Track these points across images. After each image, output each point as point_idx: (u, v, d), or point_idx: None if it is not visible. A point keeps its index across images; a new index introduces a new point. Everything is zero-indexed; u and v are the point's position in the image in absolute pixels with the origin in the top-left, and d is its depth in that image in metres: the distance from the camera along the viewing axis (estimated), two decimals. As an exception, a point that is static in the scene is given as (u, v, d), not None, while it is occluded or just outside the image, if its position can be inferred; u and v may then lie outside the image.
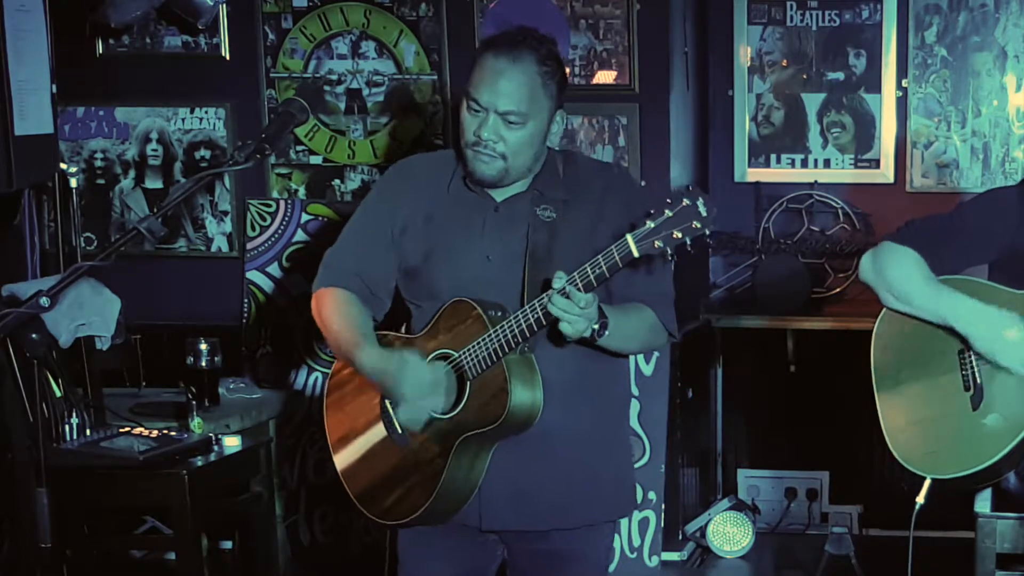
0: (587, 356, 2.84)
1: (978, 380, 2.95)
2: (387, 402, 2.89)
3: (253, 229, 4.94)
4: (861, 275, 3.10)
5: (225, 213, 5.04)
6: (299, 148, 5.03)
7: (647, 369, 4.68)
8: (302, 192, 5.04)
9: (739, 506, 5.18)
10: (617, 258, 2.59)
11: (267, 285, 4.92)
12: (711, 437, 5.45)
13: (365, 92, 4.96)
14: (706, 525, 5.10)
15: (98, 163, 5.05)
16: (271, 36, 4.96)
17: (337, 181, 5.03)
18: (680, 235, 2.54)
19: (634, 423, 4.62)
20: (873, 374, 3.07)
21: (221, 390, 4.40)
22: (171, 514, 3.89)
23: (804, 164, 5.36)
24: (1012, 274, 3.00)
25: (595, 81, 4.87)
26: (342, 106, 4.98)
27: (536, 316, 2.68)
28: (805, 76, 5.32)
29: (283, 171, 5.05)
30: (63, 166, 4.26)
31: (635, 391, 4.54)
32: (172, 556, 4.18)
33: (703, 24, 5.29)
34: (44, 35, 3.80)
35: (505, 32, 2.83)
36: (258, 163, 2.77)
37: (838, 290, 5.27)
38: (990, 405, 2.93)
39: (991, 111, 5.22)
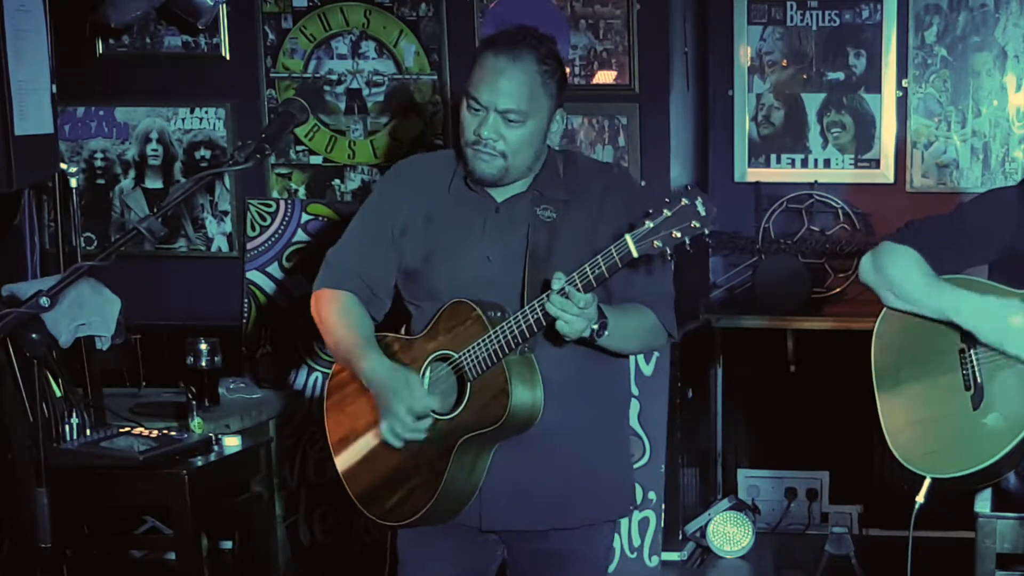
0: (587, 356, 2.84)
1: (978, 379, 2.95)
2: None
3: (253, 229, 4.94)
4: (861, 276, 3.10)
5: (225, 213, 5.04)
6: (299, 148, 5.03)
7: (647, 369, 4.68)
8: (302, 192, 5.04)
9: (739, 506, 5.18)
10: (616, 258, 2.59)
11: (267, 285, 4.92)
12: (711, 437, 5.45)
13: (365, 92, 4.96)
14: (706, 525, 5.10)
15: (98, 163, 5.05)
16: (271, 36, 4.96)
17: (337, 181, 5.03)
18: (679, 235, 2.54)
19: (634, 423, 4.62)
20: (873, 374, 3.07)
21: (221, 390, 4.40)
22: (171, 514, 3.89)
23: (804, 164, 5.36)
24: (1012, 274, 3.00)
25: (595, 81, 4.87)
26: (342, 106, 4.98)
27: (536, 317, 2.68)
28: (805, 76, 5.32)
29: (283, 171, 5.05)
30: (63, 166, 4.26)
31: (635, 391, 4.54)
32: (172, 556, 4.18)
33: (703, 24, 5.29)
34: (44, 35, 3.80)
35: (505, 31, 2.83)
36: (258, 163, 2.77)
37: (838, 290, 5.27)
38: (990, 404, 2.93)
39: (991, 111, 5.22)
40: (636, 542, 4.67)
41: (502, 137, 2.77)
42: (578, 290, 2.61)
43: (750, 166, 5.38)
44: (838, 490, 5.39)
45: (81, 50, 4.89)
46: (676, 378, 4.85)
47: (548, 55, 2.80)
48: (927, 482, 2.95)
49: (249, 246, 4.94)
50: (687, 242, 2.55)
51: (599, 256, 2.60)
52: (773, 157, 5.37)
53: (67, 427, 3.76)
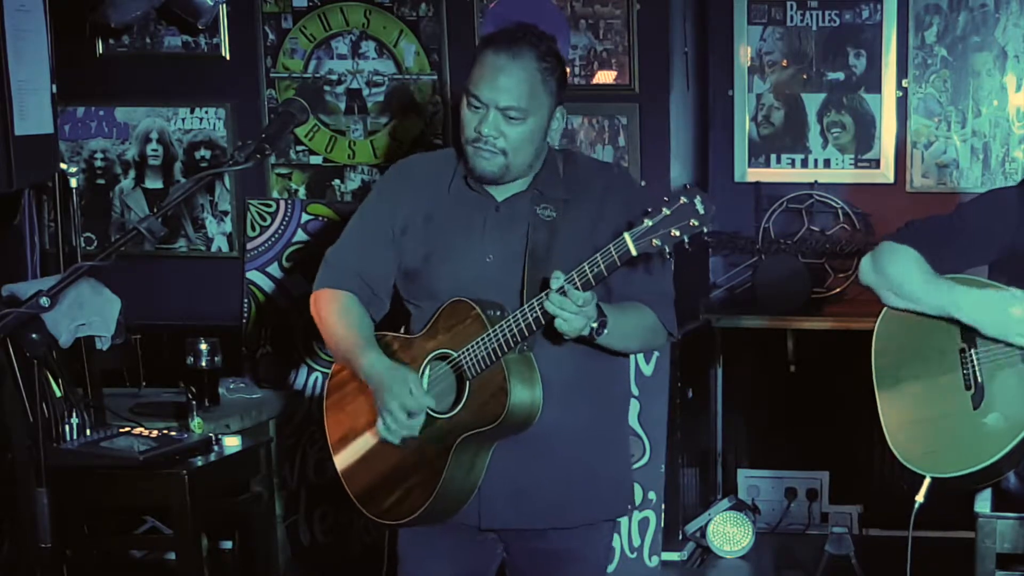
0: (586, 355, 2.84)
1: (979, 379, 2.95)
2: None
3: (253, 229, 4.94)
4: (862, 278, 3.10)
5: (225, 213, 5.04)
6: (299, 148, 5.03)
7: (647, 369, 4.68)
8: (302, 192, 5.04)
9: (739, 506, 5.18)
10: (615, 256, 2.59)
11: (267, 285, 4.92)
12: (711, 437, 5.45)
13: (365, 92, 4.96)
14: (706, 525, 5.10)
15: (98, 163, 5.05)
16: (271, 36, 4.96)
17: (337, 181, 5.03)
18: (678, 233, 2.54)
19: (634, 423, 4.62)
20: (874, 373, 3.07)
21: (221, 390, 4.40)
22: (171, 514, 3.89)
23: (804, 164, 5.36)
24: (1012, 274, 3.00)
25: (595, 81, 4.87)
26: (342, 106, 4.98)
27: (535, 315, 2.68)
28: (805, 76, 5.32)
29: (283, 171, 5.05)
30: (63, 166, 4.26)
31: (635, 391, 4.54)
32: (172, 556, 4.18)
33: (703, 24, 5.29)
34: (44, 35, 3.80)
35: (505, 29, 2.84)
36: (258, 163, 2.77)
37: (838, 290, 5.27)
38: (991, 404, 2.93)
39: (991, 111, 5.22)
40: (636, 542, 4.67)
41: (503, 134, 2.77)
42: (577, 289, 2.61)
43: (750, 166, 5.38)
44: (838, 490, 5.39)
45: (81, 50, 4.89)
46: (676, 378, 4.85)
47: (548, 52, 2.80)
48: (927, 482, 2.95)
49: (249, 246, 4.94)
50: (686, 240, 2.55)
51: (598, 254, 2.61)
52: (773, 157, 5.37)
53: (67, 427, 3.76)
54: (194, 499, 3.75)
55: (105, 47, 5.00)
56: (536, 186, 2.88)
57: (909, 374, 3.03)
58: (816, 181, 5.31)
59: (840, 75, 5.28)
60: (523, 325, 2.69)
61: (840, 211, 5.31)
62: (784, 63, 5.32)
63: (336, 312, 2.92)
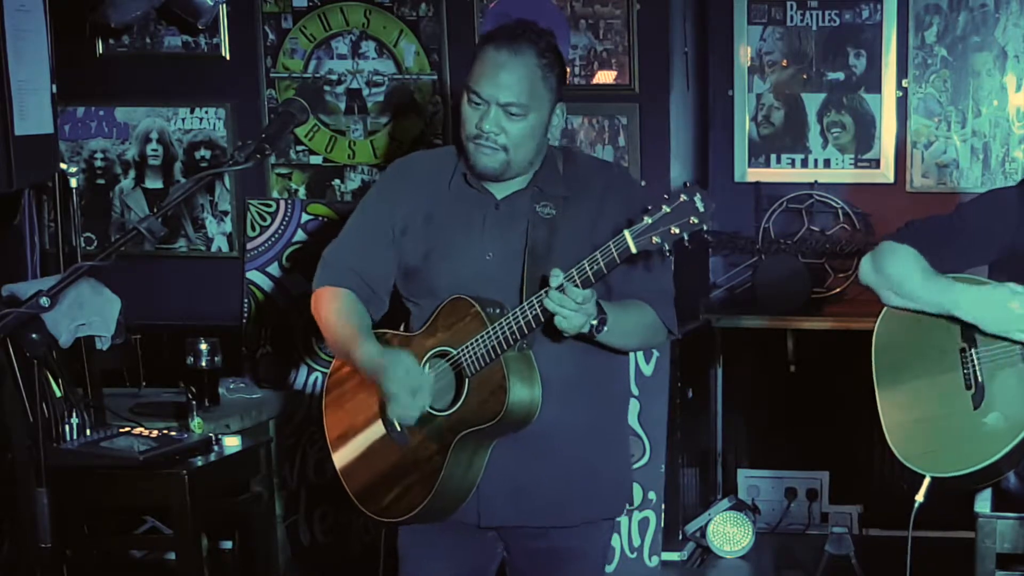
0: (586, 353, 2.84)
1: (979, 379, 2.95)
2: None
3: (253, 229, 4.94)
4: (862, 278, 3.10)
5: (225, 213, 5.04)
6: (299, 148, 5.03)
7: (647, 369, 4.68)
8: (302, 192, 5.04)
9: (739, 506, 5.18)
10: (615, 254, 2.59)
11: (267, 285, 4.92)
12: (711, 437, 5.45)
13: (365, 92, 4.96)
14: (706, 525, 5.10)
15: (98, 163, 5.05)
16: (271, 36, 4.96)
17: (337, 181, 5.03)
18: (678, 231, 2.54)
19: (634, 423, 4.62)
20: (874, 373, 3.07)
21: (221, 390, 4.40)
22: (171, 514, 3.89)
23: (804, 164, 5.36)
24: (1012, 274, 2.99)
25: (595, 81, 4.87)
26: (342, 106, 4.98)
27: (534, 313, 2.68)
28: (805, 76, 5.32)
29: (283, 171, 5.05)
30: (63, 166, 4.26)
31: (635, 391, 4.54)
32: (172, 556, 4.18)
33: (703, 24, 5.29)
34: (44, 35, 3.80)
35: (505, 25, 2.83)
36: (258, 163, 2.77)
37: (838, 290, 5.27)
38: (991, 404, 2.93)
39: (991, 111, 5.22)
40: (636, 542, 4.67)
41: (503, 131, 2.77)
42: (577, 286, 2.61)
43: (750, 166, 5.38)
44: (838, 490, 5.39)
45: (81, 50, 4.89)
46: (676, 378, 4.85)
47: (548, 48, 2.80)
48: (927, 481, 2.95)
49: (249, 246, 4.94)
50: (686, 238, 2.55)
51: (598, 252, 2.61)
52: (773, 157, 5.37)
53: (67, 427, 3.76)
54: (194, 499, 3.75)
55: (105, 47, 5.00)
56: (536, 184, 2.88)
57: (909, 374, 3.03)
58: (816, 181, 5.31)
59: (840, 75, 5.29)
60: (522, 323, 2.69)
61: (840, 211, 5.31)
62: (784, 63, 5.32)
63: (335, 309, 2.91)
